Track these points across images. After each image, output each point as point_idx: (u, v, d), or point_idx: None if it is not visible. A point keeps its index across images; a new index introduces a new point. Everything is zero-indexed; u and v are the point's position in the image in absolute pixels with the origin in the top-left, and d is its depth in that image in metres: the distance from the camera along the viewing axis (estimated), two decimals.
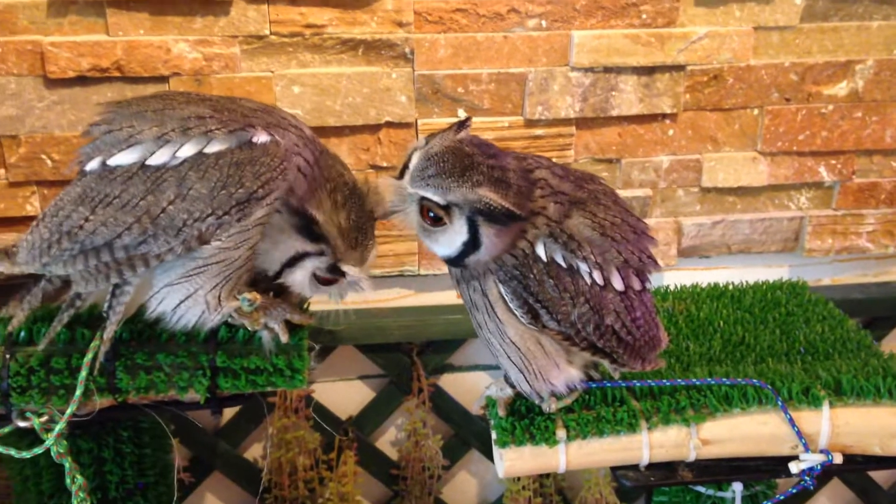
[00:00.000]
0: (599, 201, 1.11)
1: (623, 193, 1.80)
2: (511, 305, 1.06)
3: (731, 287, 1.69)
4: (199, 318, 1.10)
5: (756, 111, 1.80)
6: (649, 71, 1.73)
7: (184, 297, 1.08)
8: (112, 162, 1.04)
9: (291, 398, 1.81)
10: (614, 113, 1.75)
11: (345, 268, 1.12)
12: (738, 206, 1.87)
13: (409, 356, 1.89)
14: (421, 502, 1.95)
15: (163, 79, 1.60)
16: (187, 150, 1.02)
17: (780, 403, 1.18)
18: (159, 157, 1.02)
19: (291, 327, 1.14)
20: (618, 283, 1.09)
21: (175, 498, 1.38)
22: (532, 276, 1.05)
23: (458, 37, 1.66)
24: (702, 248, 1.88)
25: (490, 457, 1.98)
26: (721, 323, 1.53)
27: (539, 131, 1.74)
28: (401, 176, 1.06)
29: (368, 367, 1.90)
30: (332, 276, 1.14)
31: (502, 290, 1.06)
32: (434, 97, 1.69)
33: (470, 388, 1.95)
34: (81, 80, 1.58)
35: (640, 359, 1.16)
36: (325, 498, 1.88)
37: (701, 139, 1.80)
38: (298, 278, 1.13)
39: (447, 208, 1.03)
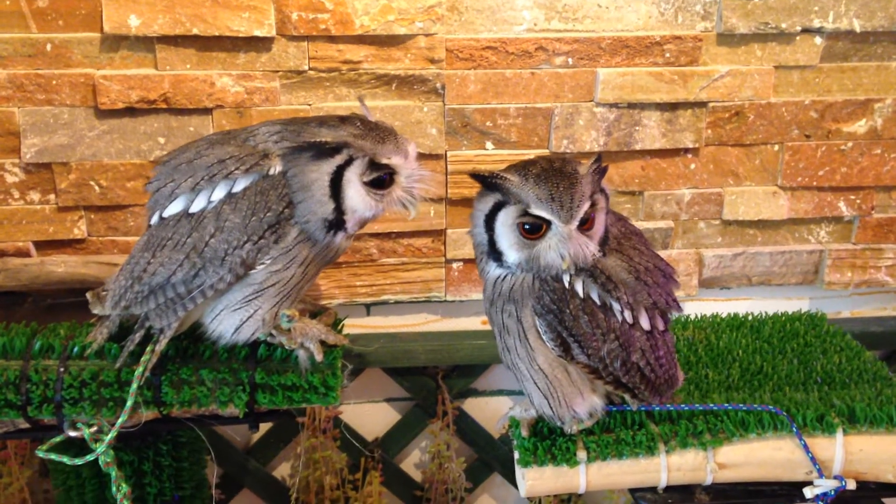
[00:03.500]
0: (635, 245, 1.17)
1: (645, 225, 1.85)
2: (544, 338, 1.12)
3: (750, 317, 1.73)
4: (253, 334, 1.18)
5: (777, 147, 1.85)
6: (672, 107, 1.79)
7: (244, 319, 1.17)
8: (166, 214, 1.17)
9: (320, 419, 1.87)
10: (637, 147, 1.80)
11: (385, 160, 1.15)
12: (758, 239, 1.91)
13: (435, 380, 1.94)
14: None
15: (207, 111, 1.68)
16: (218, 193, 1.13)
17: (794, 430, 1.22)
18: (198, 204, 1.14)
19: (326, 347, 1.20)
20: (645, 323, 1.15)
21: None
22: (568, 310, 1.10)
23: (487, 73, 1.73)
24: (722, 279, 1.92)
25: (512, 480, 2.01)
26: (740, 352, 1.57)
27: None
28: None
29: (395, 390, 1.96)
30: (380, 173, 1.14)
31: (537, 323, 1.12)
32: (463, 130, 1.76)
33: (493, 412, 2.00)
34: (130, 112, 1.67)
35: (658, 395, 1.21)
36: None
37: (722, 173, 1.85)
38: (356, 198, 1.14)
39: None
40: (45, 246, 1.73)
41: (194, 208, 1.14)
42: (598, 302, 1.12)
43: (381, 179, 1.16)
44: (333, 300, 1.82)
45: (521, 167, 1.12)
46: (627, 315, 1.13)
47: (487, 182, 1.12)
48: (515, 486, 2.01)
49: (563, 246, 1.09)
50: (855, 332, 1.70)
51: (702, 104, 1.79)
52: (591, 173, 1.12)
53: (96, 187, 1.70)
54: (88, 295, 1.23)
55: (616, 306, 1.13)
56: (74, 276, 1.58)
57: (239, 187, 1.13)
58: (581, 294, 1.12)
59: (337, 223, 1.15)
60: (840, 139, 1.85)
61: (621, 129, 1.79)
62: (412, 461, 2.03)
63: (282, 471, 1.99)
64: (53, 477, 1.37)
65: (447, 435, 1.95)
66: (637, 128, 1.79)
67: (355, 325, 1.90)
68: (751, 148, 1.85)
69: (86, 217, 1.73)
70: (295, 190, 1.13)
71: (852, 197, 1.89)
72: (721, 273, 1.91)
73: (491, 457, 2.00)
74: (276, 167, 1.13)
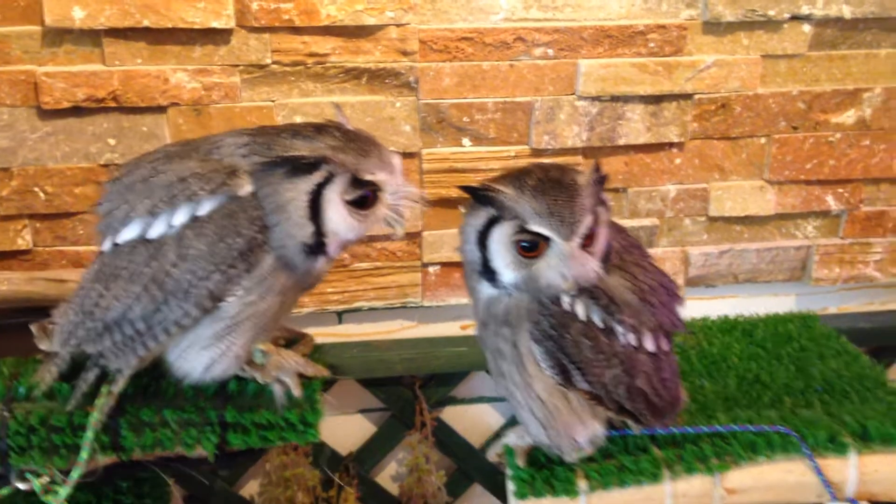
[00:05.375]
0: (637, 260, 1.08)
1: (629, 223, 1.77)
2: (543, 365, 1.03)
3: (741, 320, 1.66)
4: (224, 371, 1.06)
5: (763, 140, 1.77)
6: (657, 100, 1.70)
7: (216, 356, 1.05)
8: (119, 240, 1.03)
9: None
10: (621, 142, 1.72)
11: (368, 176, 1.02)
12: (745, 236, 1.84)
13: (412, 389, 1.84)
14: None
15: (161, 109, 1.55)
16: (180, 217, 1.00)
17: (806, 452, 1.15)
18: (157, 229, 1.01)
19: (304, 380, 1.10)
20: (650, 345, 1.06)
21: None
22: (569, 336, 1.01)
23: (463, 65, 1.63)
24: (708, 277, 1.85)
25: (493, 491, 1.93)
26: (735, 359, 1.50)
27: (546, 161, 1.70)
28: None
29: (369, 401, 1.85)
30: (363, 192, 1.02)
31: (535, 350, 1.02)
32: (439, 126, 1.66)
33: (474, 420, 1.91)
34: (76, 111, 1.53)
35: (662, 418, 1.13)
36: None
37: (708, 168, 1.77)
38: (337, 220, 1.02)
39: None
40: None
41: (152, 234, 1.00)
42: (600, 325, 1.03)
43: (365, 198, 1.03)
44: (303, 308, 1.70)
45: (516, 178, 1.02)
46: (631, 338, 1.05)
47: (479, 195, 1.02)
48: (497, 496, 1.94)
49: (565, 265, 0.99)
50: (843, 329, 1.65)
51: (687, 96, 1.71)
52: (592, 183, 1.02)
53: (41, 194, 1.56)
54: (33, 328, 1.10)
55: (619, 329, 1.04)
56: (19, 295, 1.44)
57: (204, 210, 0.99)
58: (582, 317, 1.02)
59: (317, 247, 1.03)
60: (828, 130, 1.78)
61: (604, 123, 1.70)
62: (388, 474, 1.93)
63: (250, 489, 1.88)
64: None
65: (426, 447, 1.85)
66: (620, 122, 1.70)
67: (326, 334, 1.79)
68: (737, 141, 1.77)
69: (30, 226, 1.59)
70: (269, 212, 1.00)
71: (840, 190, 1.82)
72: (707, 272, 1.84)
73: (472, 468, 1.91)
74: (246, 187, 1.00)
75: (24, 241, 1.59)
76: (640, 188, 1.77)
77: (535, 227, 0.99)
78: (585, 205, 0.99)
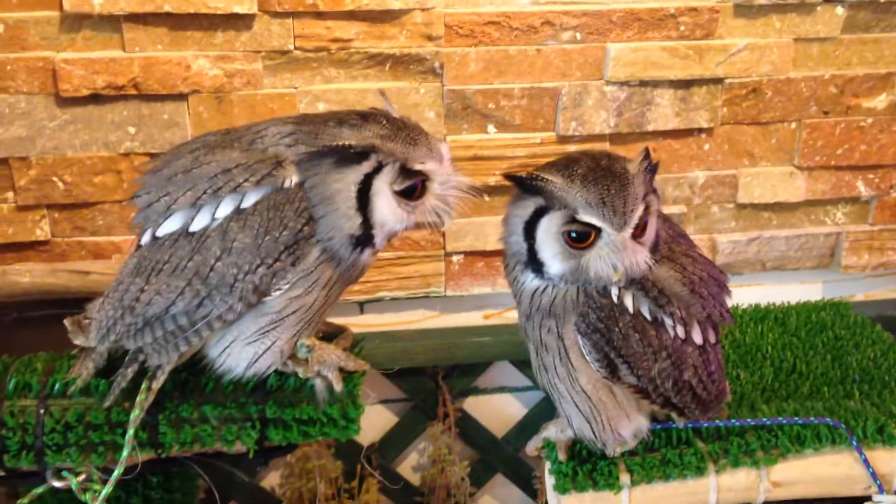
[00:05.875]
0: (686, 251, 1.05)
1: None
2: (588, 359, 1.00)
3: (773, 308, 1.63)
4: (269, 367, 1.04)
5: (794, 125, 1.74)
6: (686, 84, 1.67)
7: (260, 352, 1.02)
8: (160, 233, 1.00)
9: None
10: (650, 128, 1.68)
11: (417, 166, 0.99)
12: (773, 223, 1.81)
13: (435, 380, 1.82)
14: None
15: (182, 96, 1.52)
16: (224, 210, 0.97)
17: (854, 444, 1.12)
18: (200, 222, 0.98)
19: (345, 374, 1.07)
20: (698, 338, 1.03)
21: None
22: (617, 329, 0.98)
23: (489, 50, 1.59)
24: (736, 265, 1.82)
25: (516, 482, 1.91)
26: (769, 348, 1.47)
27: (572, 148, 1.67)
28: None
29: (391, 392, 1.83)
30: (412, 182, 0.99)
31: (581, 343, 0.99)
32: (463, 113, 1.62)
33: (496, 411, 1.89)
34: (95, 99, 1.49)
35: (707, 412, 1.10)
36: None
37: (737, 154, 1.74)
38: (385, 210, 0.99)
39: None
40: (4, 249, 1.56)
41: (195, 226, 0.97)
42: (648, 318, 1.00)
43: (414, 188, 1.00)
44: None
45: (564, 166, 0.99)
46: (680, 330, 1.02)
47: (527, 184, 0.99)
48: (520, 487, 1.92)
49: (616, 255, 0.96)
50: (871, 316, 1.62)
51: (717, 81, 1.68)
52: (643, 171, 0.99)
53: (60, 183, 1.53)
54: (67, 323, 1.06)
55: (668, 322, 1.01)
56: (41, 287, 1.42)
57: (249, 202, 0.96)
58: (631, 310, 0.99)
59: (364, 239, 1.00)
60: (859, 115, 1.75)
61: (632, 108, 1.67)
62: (410, 465, 1.91)
63: (271, 481, 1.85)
64: None
65: (448, 437, 1.83)
66: (649, 107, 1.67)
67: (348, 325, 1.75)
68: (767, 126, 1.74)
69: (49, 216, 1.56)
70: (315, 203, 0.97)
71: (871, 176, 1.79)
72: (735, 259, 1.81)
73: (495, 458, 1.89)
74: (292, 177, 0.97)
75: (43, 231, 1.56)
76: (668, 175, 1.74)
77: (586, 218, 0.95)
78: (637, 194, 0.96)
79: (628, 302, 0.99)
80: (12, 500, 1.08)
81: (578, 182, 0.96)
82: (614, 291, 0.99)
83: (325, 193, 0.97)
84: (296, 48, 1.53)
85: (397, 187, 0.99)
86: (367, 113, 1.01)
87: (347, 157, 0.96)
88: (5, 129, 1.48)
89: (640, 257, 0.97)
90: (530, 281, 1.03)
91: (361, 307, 1.77)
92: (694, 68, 1.65)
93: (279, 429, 1.04)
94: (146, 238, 1.01)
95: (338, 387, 1.03)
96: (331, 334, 1.15)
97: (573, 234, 0.97)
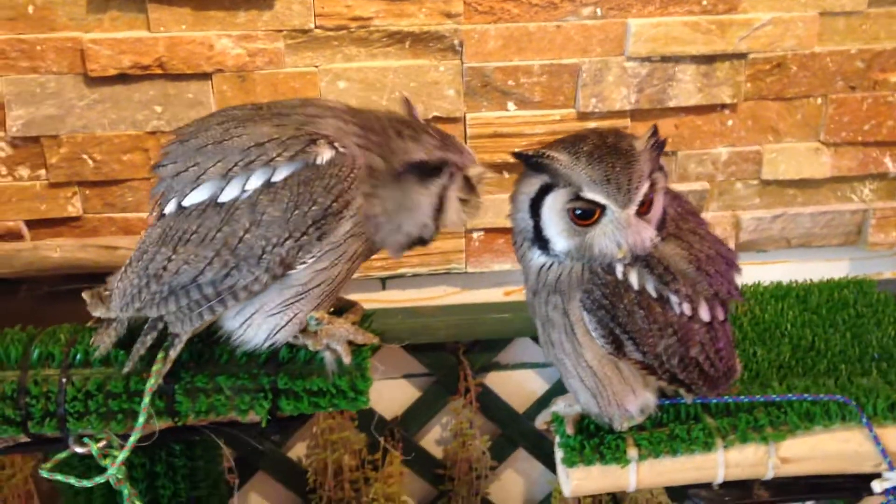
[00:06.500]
0: (694, 228, 1.05)
1: (679, 187, 1.73)
2: (594, 335, 1.01)
3: (795, 285, 1.62)
4: (285, 338, 1.07)
5: (820, 100, 1.72)
6: (709, 59, 1.65)
7: (282, 323, 1.05)
8: (186, 203, 1.02)
9: None
10: (671, 104, 1.67)
11: (471, 171, 1.09)
12: (798, 199, 1.79)
13: (456, 355, 1.84)
14: (467, 502, 1.91)
15: (206, 76, 1.55)
16: (254, 182, 0.99)
17: (864, 421, 1.12)
18: (229, 193, 1.00)
19: (354, 347, 1.09)
20: (705, 315, 1.03)
21: None
22: (622, 305, 0.99)
23: (508, 27, 1.59)
24: (760, 242, 1.81)
25: (537, 456, 1.93)
26: (788, 326, 1.47)
27: (592, 124, 1.67)
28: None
29: (414, 367, 1.86)
30: (472, 187, 1.10)
31: (586, 319, 1.01)
32: (483, 90, 1.63)
33: (518, 386, 1.91)
34: (122, 78, 1.53)
35: (716, 388, 1.11)
36: (370, 498, 1.85)
37: (762, 130, 1.73)
38: (454, 215, 1.09)
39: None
40: (37, 225, 1.61)
41: (224, 197, 0.99)
42: (654, 295, 1.01)
43: (474, 192, 1.10)
44: None
45: (571, 143, 0.99)
46: (686, 307, 1.02)
47: (533, 162, 1.00)
48: (541, 461, 1.94)
49: (620, 233, 0.97)
50: None
51: (741, 56, 1.66)
52: (649, 149, 0.99)
53: (90, 161, 1.58)
54: (86, 295, 1.10)
55: (674, 299, 1.01)
56: (71, 262, 1.47)
57: (279, 176, 0.99)
58: (636, 287, 1.00)
59: (423, 240, 1.09)
60: (887, 90, 1.72)
61: (654, 84, 1.66)
62: (433, 438, 1.94)
63: (298, 451, 1.90)
64: (60, 485, 1.27)
65: (470, 412, 1.85)
66: (671, 83, 1.66)
67: (370, 300, 1.79)
68: (792, 102, 1.72)
69: (80, 193, 1.61)
70: (389, 210, 1.04)
71: None
72: (759, 236, 1.80)
73: (515, 433, 1.91)
74: (325, 155, 1.00)
75: (74, 207, 1.61)
76: (691, 151, 1.73)
77: (591, 195, 0.96)
78: (643, 171, 0.97)
79: (633, 279, 1.00)
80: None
81: (584, 159, 0.96)
82: (619, 268, 1.00)
83: (406, 204, 1.04)
84: (316, 27, 1.55)
85: (462, 195, 1.08)
86: (408, 121, 1.08)
87: (427, 171, 1.04)
88: (37, 108, 1.52)
89: (645, 235, 0.98)
90: (537, 257, 1.04)
91: (384, 283, 1.79)
92: (716, 43, 1.63)
93: (290, 400, 1.08)
94: (171, 207, 1.03)
95: (346, 359, 1.06)
96: (341, 308, 1.18)
97: (578, 212, 0.98)
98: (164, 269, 1.02)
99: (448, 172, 1.06)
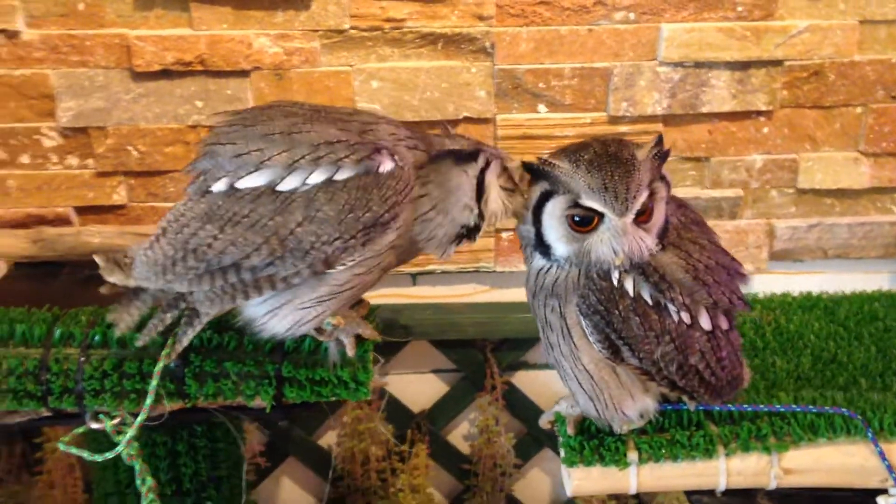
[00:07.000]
0: (695, 238, 1.05)
1: (711, 194, 1.72)
2: (591, 339, 1.02)
3: (824, 297, 1.59)
4: (306, 332, 1.10)
5: (860, 109, 1.68)
6: (744, 66, 1.64)
7: (308, 318, 1.07)
8: (240, 185, 1.02)
9: None
10: (704, 110, 1.67)
11: (509, 163, 1.12)
12: (836, 209, 1.76)
13: (483, 353, 1.86)
14: (492, 498, 1.93)
15: (244, 73, 1.60)
16: (316, 178, 1.01)
17: (870, 436, 1.11)
18: (289, 183, 1.01)
19: (359, 340, 1.13)
20: (706, 323, 1.03)
21: (245, 489, 1.41)
22: (617, 311, 1.00)
23: (540, 30, 1.61)
24: (795, 251, 1.79)
25: None
26: (812, 337, 1.45)
27: (623, 128, 1.67)
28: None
29: (442, 362, 1.89)
30: (511, 177, 1.12)
31: (583, 323, 1.02)
32: (514, 92, 1.65)
33: (544, 386, 1.92)
34: (166, 74, 1.60)
35: (719, 397, 1.11)
36: (396, 488, 1.89)
37: (798, 138, 1.70)
38: (497, 201, 1.11)
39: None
40: (85, 212, 1.69)
41: (284, 186, 1.01)
42: (650, 302, 1.01)
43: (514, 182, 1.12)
44: None
45: (573, 151, 1.01)
46: (684, 316, 1.02)
47: (535, 170, 1.02)
48: None
49: (617, 240, 0.98)
50: None
51: (777, 63, 1.64)
52: (651, 158, 1.00)
53: (134, 152, 1.65)
54: (98, 258, 1.08)
55: (671, 307, 1.02)
56: (111, 247, 1.52)
57: (341, 176, 1.01)
58: (631, 293, 1.01)
59: (469, 232, 1.11)
60: None
61: (687, 90, 1.65)
62: (460, 434, 1.97)
63: (328, 439, 1.95)
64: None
65: (496, 409, 1.88)
66: (704, 89, 1.65)
67: (401, 295, 1.83)
68: (830, 110, 1.69)
69: (125, 183, 1.68)
70: (435, 201, 1.07)
71: None
72: (794, 245, 1.77)
73: (541, 432, 1.90)
74: (386, 166, 1.02)
75: (120, 196, 1.68)
76: (724, 158, 1.71)
77: (588, 202, 0.98)
78: (642, 180, 0.97)
79: (628, 286, 1.01)
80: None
81: (584, 167, 0.98)
82: (615, 275, 1.01)
83: (449, 186, 1.08)
84: (351, 27, 1.59)
85: (504, 183, 1.10)
86: (447, 129, 1.15)
87: (464, 156, 1.08)
88: (85, 100, 1.60)
89: (643, 243, 0.99)
90: (537, 260, 1.07)
91: (414, 279, 1.83)
92: (752, 50, 1.62)
93: (294, 387, 1.12)
94: (220, 186, 1.03)
95: (351, 352, 1.10)
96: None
97: (576, 218, 1.00)
98: (209, 246, 1.02)
99: (484, 158, 1.09)
